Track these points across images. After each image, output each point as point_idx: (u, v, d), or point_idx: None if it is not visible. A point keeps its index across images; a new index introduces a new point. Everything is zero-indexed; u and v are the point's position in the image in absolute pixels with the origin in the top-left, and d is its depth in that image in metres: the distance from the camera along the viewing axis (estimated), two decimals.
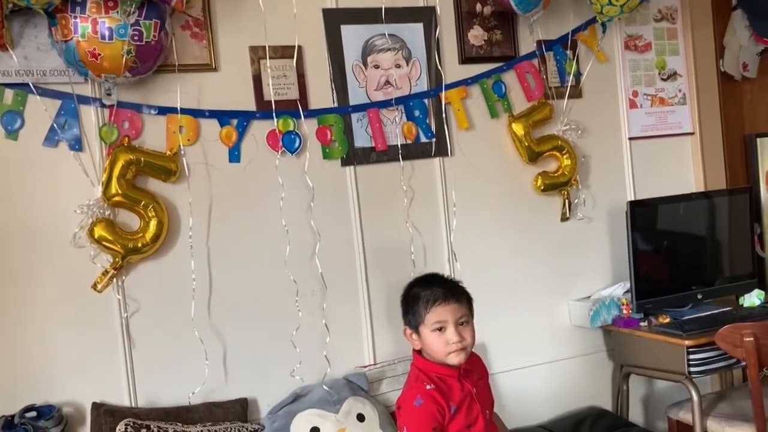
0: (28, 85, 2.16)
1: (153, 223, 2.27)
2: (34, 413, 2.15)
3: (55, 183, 2.23)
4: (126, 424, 2.09)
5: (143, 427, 2.11)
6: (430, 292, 1.93)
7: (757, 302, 2.83)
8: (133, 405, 2.30)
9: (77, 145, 2.24)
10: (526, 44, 2.85)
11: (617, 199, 2.97)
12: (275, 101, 2.45)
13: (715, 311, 2.78)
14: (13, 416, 2.12)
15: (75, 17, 2.05)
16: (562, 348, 2.92)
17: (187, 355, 2.35)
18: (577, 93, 2.93)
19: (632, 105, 3.03)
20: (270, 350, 2.46)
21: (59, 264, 2.23)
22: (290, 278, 2.43)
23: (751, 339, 2.31)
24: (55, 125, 2.21)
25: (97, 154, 2.27)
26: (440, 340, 1.88)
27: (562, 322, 2.93)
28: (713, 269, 2.92)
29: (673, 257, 2.85)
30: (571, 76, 2.89)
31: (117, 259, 2.24)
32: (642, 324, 2.73)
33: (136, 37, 2.10)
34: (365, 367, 2.57)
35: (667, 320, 2.69)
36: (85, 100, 2.25)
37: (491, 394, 2.07)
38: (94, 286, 2.25)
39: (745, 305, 2.85)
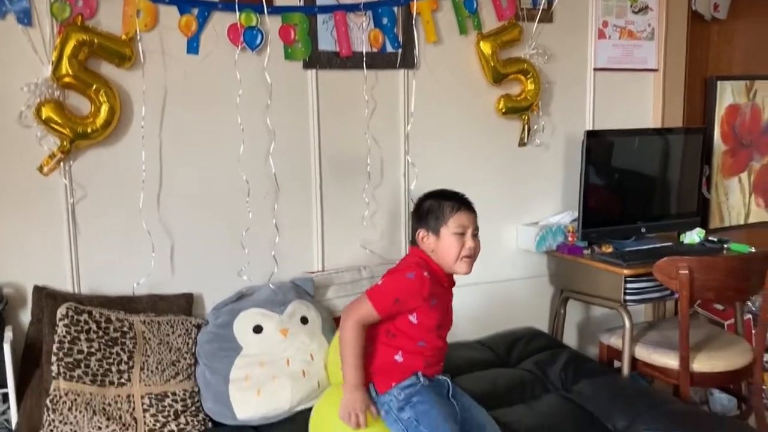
0: None
1: (104, 109, 2.20)
2: None
3: (2, 57, 2.13)
4: (68, 308, 2.08)
5: (85, 312, 2.11)
6: (454, 200, 2.00)
7: (697, 240, 2.92)
8: (76, 291, 2.29)
9: (26, 18, 2.13)
10: None
11: (576, 128, 2.99)
12: None
13: (656, 245, 2.87)
14: None
15: None
16: (507, 270, 2.99)
17: (134, 246, 2.33)
18: (548, 17, 2.89)
19: (601, 35, 3.02)
20: (218, 248, 2.46)
21: (3, 143, 2.16)
22: (243, 178, 2.41)
23: (686, 272, 2.40)
24: None
25: (48, 31, 2.16)
26: (458, 243, 1.95)
27: (509, 244, 2.99)
28: (659, 205, 3.00)
29: (622, 190, 2.91)
30: None
31: (65, 143, 2.18)
32: (585, 252, 2.80)
33: None
34: (313, 273, 2.59)
35: (610, 250, 2.77)
36: None
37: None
38: (40, 169, 2.19)
39: (686, 242, 2.95)
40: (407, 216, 2.75)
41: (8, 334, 2.08)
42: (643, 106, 3.18)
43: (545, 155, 3.00)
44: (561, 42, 2.95)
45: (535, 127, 2.94)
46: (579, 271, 2.79)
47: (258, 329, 2.29)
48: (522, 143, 2.93)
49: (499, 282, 2.97)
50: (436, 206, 1.98)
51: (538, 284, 3.06)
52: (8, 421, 2.07)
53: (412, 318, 1.94)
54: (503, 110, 2.82)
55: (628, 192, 2.92)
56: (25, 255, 2.23)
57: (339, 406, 1.91)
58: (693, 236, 2.94)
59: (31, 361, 2.15)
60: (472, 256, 1.98)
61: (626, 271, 2.57)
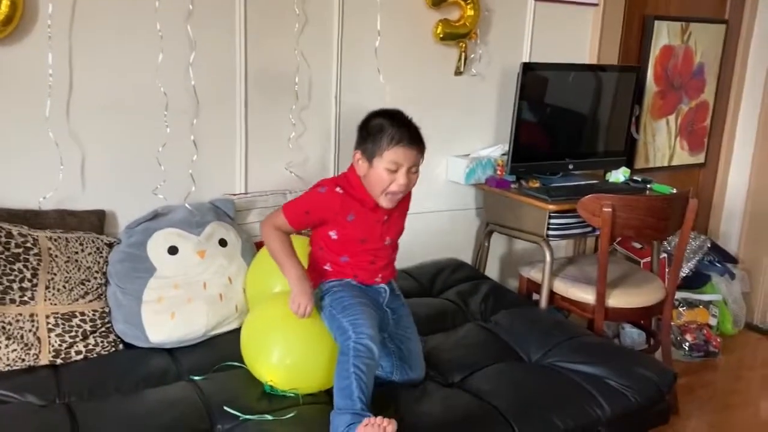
0: None
1: (4, 3, 1.99)
2: None
3: None
4: None
5: None
6: (397, 130, 1.89)
7: (621, 179, 2.96)
8: None
9: None
10: None
11: (512, 60, 2.93)
12: None
13: (582, 182, 2.89)
14: None
15: None
16: (434, 201, 2.96)
17: (40, 158, 2.17)
18: None
19: None
20: (133, 164, 2.32)
21: None
22: (161, 89, 2.26)
23: (609, 210, 2.43)
24: None
25: None
26: (388, 179, 1.88)
27: (439, 176, 2.96)
28: (588, 143, 3.01)
29: (553, 126, 2.90)
30: None
31: None
32: (513, 186, 2.80)
33: None
34: (235, 195, 2.49)
35: (537, 185, 2.78)
36: None
37: (401, 225, 2.08)
38: None
39: (611, 180, 2.98)
40: (337, 140, 2.67)
41: None
42: (580, 41, 3.15)
43: (480, 86, 2.94)
44: None
45: (472, 56, 2.87)
46: (505, 205, 2.79)
47: (173, 250, 2.20)
48: (458, 72, 2.86)
49: (427, 213, 2.94)
50: (377, 132, 1.89)
51: (465, 216, 3.05)
52: None
53: (332, 233, 1.95)
54: (441, 35, 2.73)
55: (559, 128, 2.91)
56: None
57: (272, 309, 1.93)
58: (618, 175, 2.97)
59: None
60: (398, 193, 1.91)
61: (551, 207, 2.58)
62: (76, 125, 2.22)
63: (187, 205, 2.30)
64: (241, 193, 2.52)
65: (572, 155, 2.95)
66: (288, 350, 1.88)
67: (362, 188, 1.93)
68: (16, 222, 2.08)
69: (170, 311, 2.12)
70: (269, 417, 1.78)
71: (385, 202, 1.92)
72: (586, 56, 3.17)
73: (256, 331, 1.96)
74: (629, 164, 3.21)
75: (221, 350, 2.09)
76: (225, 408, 1.79)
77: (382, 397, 1.84)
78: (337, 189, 1.92)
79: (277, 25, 2.46)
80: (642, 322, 2.95)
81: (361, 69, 2.65)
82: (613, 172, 3.00)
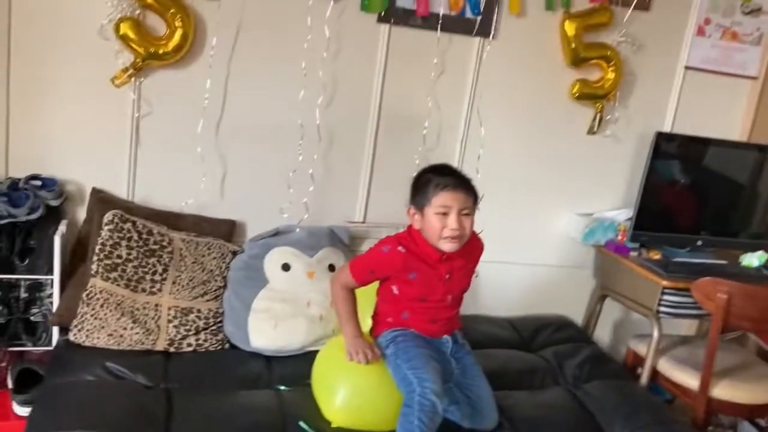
0: None
1: (178, 34, 2.30)
2: (38, 182, 2.32)
3: None
4: (114, 215, 2.25)
5: (129, 221, 2.27)
6: (442, 177, 1.99)
7: (755, 263, 2.78)
8: (129, 199, 2.46)
9: None
10: None
11: (652, 125, 2.86)
12: None
13: (708, 261, 2.76)
14: (19, 180, 2.29)
15: None
16: (551, 255, 2.96)
17: (188, 167, 2.46)
18: (644, 4, 2.75)
19: (700, 32, 2.84)
20: (267, 183, 2.55)
21: (84, 51, 2.31)
22: (298, 122, 2.47)
23: (725, 296, 2.31)
24: None
25: None
26: (440, 223, 1.95)
27: (559, 231, 2.95)
28: (723, 220, 2.86)
29: (684, 197, 2.79)
30: None
31: (137, 60, 2.30)
32: (632, 253, 2.73)
33: None
34: (353, 222, 2.66)
35: (657, 256, 2.69)
36: None
37: (466, 282, 2.13)
38: (113, 80, 2.33)
39: (743, 264, 2.81)
40: None
41: (62, 228, 2.27)
42: (731, 114, 3.00)
43: (614, 147, 2.90)
44: (654, 33, 2.81)
45: (608, 117, 2.84)
46: (620, 271, 2.73)
47: (286, 267, 2.40)
48: (591, 131, 2.84)
49: (540, 265, 2.95)
50: (424, 184, 1.99)
51: (581, 275, 3.00)
52: (51, 303, 2.28)
53: (394, 289, 2.03)
54: (577, 95, 2.74)
55: (692, 201, 2.80)
56: (90, 157, 2.40)
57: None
58: (753, 259, 2.79)
59: (79, 256, 2.34)
60: (456, 237, 1.95)
61: (665, 282, 2.49)
62: (223, 142, 2.49)
63: (307, 227, 2.49)
64: (359, 222, 2.68)
65: (702, 230, 2.82)
66: (353, 392, 1.98)
67: (423, 241, 1.99)
68: (158, 221, 2.38)
69: (274, 322, 2.31)
70: None
71: (446, 246, 1.96)
72: (737, 130, 3.01)
73: (323, 367, 2.09)
74: None
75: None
76: (299, 423, 1.94)
77: None
78: (399, 248, 1.98)
79: (414, 72, 2.60)
80: (756, 420, 2.74)
81: (492, 118, 2.72)
82: (748, 255, 2.82)
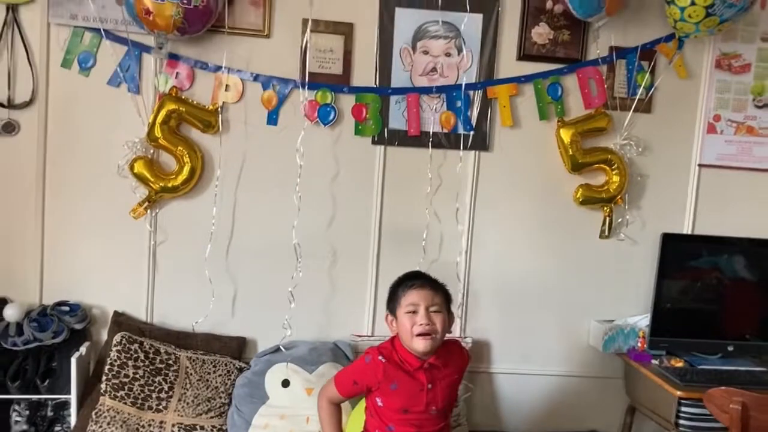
0: (102, 30, 2.49)
1: (186, 169, 2.54)
2: (66, 308, 2.56)
3: (113, 118, 2.56)
4: (122, 337, 2.43)
5: (136, 342, 2.44)
6: (409, 280, 2.10)
7: None
8: (148, 321, 2.65)
9: (135, 88, 2.55)
10: (600, 49, 2.70)
11: (671, 226, 2.79)
12: (318, 74, 2.59)
13: (742, 368, 2.56)
14: (48, 306, 2.54)
15: None
16: (577, 365, 2.85)
17: (199, 288, 2.63)
18: (645, 107, 2.74)
19: (710, 129, 2.78)
20: (276, 301, 2.66)
21: (105, 188, 2.59)
22: (302, 239, 2.60)
23: (738, 407, 2.13)
24: (119, 68, 2.53)
25: (150, 99, 2.56)
26: (410, 321, 2.01)
27: (582, 339, 2.85)
28: (756, 324, 2.66)
29: (707, 301, 2.65)
30: (642, 88, 2.71)
31: (152, 194, 2.55)
32: (654, 361, 2.59)
33: (185, 1, 2.32)
34: (361, 336, 2.71)
35: (680, 364, 2.54)
36: (147, 49, 2.53)
37: (451, 394, 2.12)
38: (131, 213, 2.58)
39: None
40: (465, 294, 2.76)
41: (82, 349, 2.48)
42: (759, 210, 2.85)
43: (631, 250, 2.82)
44: (659, 134, 2.78)
45: (620, 220, 2.79)
46: (642, 381, 2.58)
47: (286, 383, 2.46)
48: (603, 236, 2.79)
49: (567, 376, 2.85)
50: (395, 289, 2.08)
51: (612, 386, 2.85)
52: (69, 422, 2.45)
53: (378, 401, 2.03)
54: (581, 200, 2.72)
55: (713, 303, 2.64)
56: (113, 284, 2.63)
57: None
58: None
59: (98, 375, 2.52)
60: (426, 333, 1.98)
61: (679, 393, 2.34)
62: (233, 264, 2.66)
63: (310, 342, 2.57)
64: (366, 335, 2.72)
65: (733, 335, 2.64)
66: None
67: (403, 349, 2.03)
68: (169, 341, 2.54)
69: None
70: None
71: (419, 345, 1.98)
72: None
73: None
74: None
75: None
76: None
77: None
78: (380, 357, 2.02)
79: (412, 187, 2.69)
80: None
81: (493, 227, 2.74)
82: None
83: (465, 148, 2.68)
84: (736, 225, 2.78)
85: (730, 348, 2.63)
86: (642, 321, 2.74)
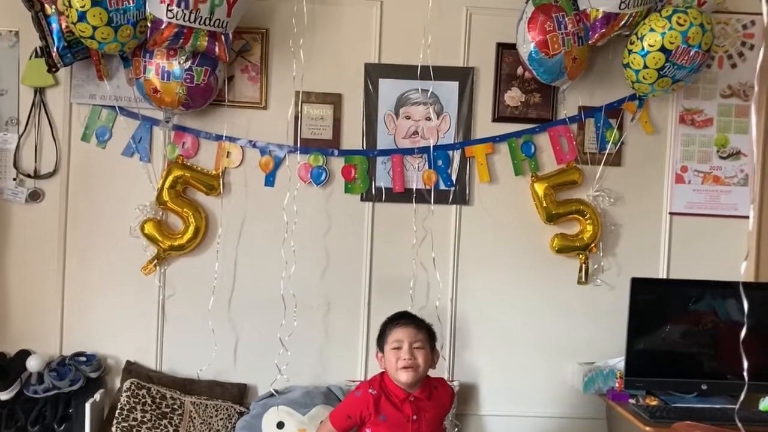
0: (117, 107, 2.80)
1: (191, 228, 2.80)
2: (83, 358, 2.80)
3: (126, 185, 2.85)
4: (131, 383, 2.66)
5: (144, 388, 2.66)
6: (395, 320, 2.38)
7: None
8: (158, 369, 2.87)
9: (146, 157, 2.84)
10: (569, 109, 2.93)
11: (646, 271, 2.95)
12: (310, 139, 2.87)
13: (716, 405, 2.67)
14: (66, 357, 2.79)
15: (144, 61, 2.63)
16: (562, 406, 2.98)
17: (204, 338, 2.86)
18: (615, 160, 2.94)
19: (678, 180, 2.96)
20: (274, 348, 2.85)
21: (119, 248, 2.86)
22: (298, 290, 2.83)
23: None
24: (132, 140, 2.83)
25: (159, 167, 2.85)
26: (395, 356, 2.27)
27: (567, 381, 2.99)
28: (728, 363, 2.77)
29: (678, 341, 2.77)
30: (611, 143, 2.92)
31: (160, 252, 2.81)
32: (631, 401, 2.72)
33: (188, 80, 2.63)
34: (354, 381, 2.89)
35: (654, 402, 2.66)
36: (156, 122, 2.83)
37: (437, 427, 2.32)
38: (143, 270, 2.84)
39: (760, 408, 2.68)
40: (452, 339, 2.94)
41: (96, 396, 2.70)
42: (729, 254, 2.99)
43: (608, 295, 2.98)
44: (630, 185, 2.97)
45: (596, 266, 2.96)
46: (619, 421, 2.71)
47: (280, 425, 2.65)
48: (581, 281, 2.96)
49: (552, 417, 2.98)
50: (383, 328, 2.34)
51: (596, 427, 2.97)
52: None
53: None
54: (556, 248, 2.91)
55: (686, 344, 2.77)
56: (125, 335, 2.88)
57: None
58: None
59: (110, 419, 2.74)
60: (409, 366, 2.22)
61: (648, 428, 2.46)
62: (234, 314, 2.89)
63: (298, 387, 2.78)
64: (358, 380, 2.90)
65: (705, 374, 2.76)
66: None
67: (391, 382, 2.27)
68: (175, 387, 2.76)
69: None
70: None
71: (402, 377, 2.23)
72: (741, 269, 2.98)
73: None
74: None
75: None
76: None
77: None
78: (370, 390, 2.25)
79: (399, 239, 2.91)
80: None
81: (477, 275, 2.94)
82: (766, 398, 2.71)
83: (447, 202, 2.91)
84: (707, 269, 2.93)
85: (704, 387, 2.75)
86: (620, 362, 2.87)
